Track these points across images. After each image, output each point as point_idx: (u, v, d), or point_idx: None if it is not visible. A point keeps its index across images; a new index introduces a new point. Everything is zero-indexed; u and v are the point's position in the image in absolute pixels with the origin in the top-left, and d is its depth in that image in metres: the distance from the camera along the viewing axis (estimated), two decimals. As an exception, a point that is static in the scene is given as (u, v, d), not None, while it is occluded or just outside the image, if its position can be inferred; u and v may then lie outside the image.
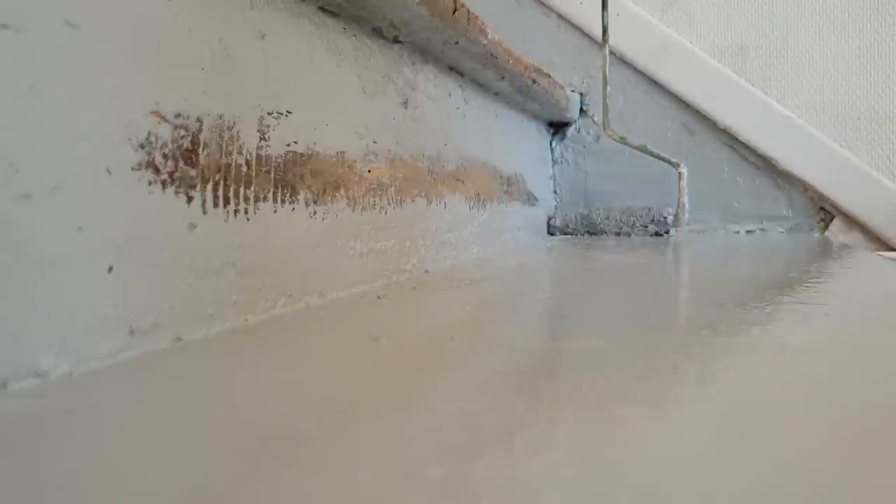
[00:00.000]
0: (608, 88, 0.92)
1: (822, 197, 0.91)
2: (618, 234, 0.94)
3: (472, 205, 0.66)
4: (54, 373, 0.23)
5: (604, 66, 0.91)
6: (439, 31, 0.51)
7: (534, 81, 0.75)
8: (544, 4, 1.01)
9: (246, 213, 0.34)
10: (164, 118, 0.29)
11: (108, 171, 0.26)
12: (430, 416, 0.21)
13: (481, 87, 0.69)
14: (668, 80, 0.96)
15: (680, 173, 0.93)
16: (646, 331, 0.34)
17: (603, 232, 0.95)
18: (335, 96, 0.43)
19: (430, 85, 0.57)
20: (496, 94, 0.74)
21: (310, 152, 0.40)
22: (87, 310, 0.25)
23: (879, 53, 0.90)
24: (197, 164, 0.31)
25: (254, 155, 0.35)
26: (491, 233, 0.71)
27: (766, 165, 0.93)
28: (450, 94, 0.62)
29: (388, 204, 0.49)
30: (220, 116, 0.32)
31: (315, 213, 0.40)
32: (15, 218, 0.23)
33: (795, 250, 0.75)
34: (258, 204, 0.35)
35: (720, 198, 0.96)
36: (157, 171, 0.29)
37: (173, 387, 0.24)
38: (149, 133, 0.28)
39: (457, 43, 0.54)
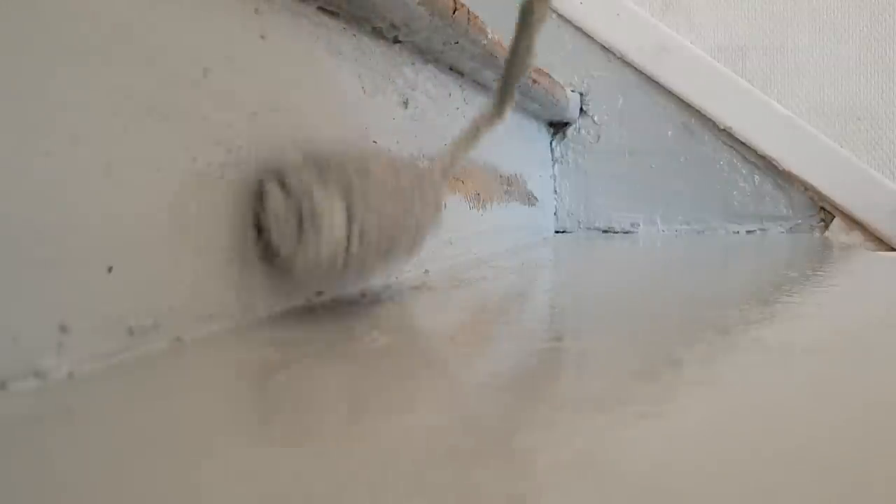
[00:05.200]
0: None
1: (822, 197, 0.91)
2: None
3: (471, 205, 0.66)
4: (54, 373, 0.23)
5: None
6: (439, 31, 0.51)
7: (534, 81, 0.75)
8: (544, 4, 1.01)
9: (246, 213, 0.34)
10: (164, 118, 0.29)
11: (108, 172, 0.26)
12: (429, 416, 0.21)
13: (481, 86, 0.69)
14: (669, 81, 0.96)
15: None
16: (647, 330, 0.34)
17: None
18: (335, 96, 0.43)
19: (431, 85, 0.57)
20: (496, 93, 0.74)
21: (310, 152, 0.40)
22: (87, 310, 0.25)
23: (880, 54, 0.90)
24: (197, 164, 0.31)
25: (254, 155, 0.35)
26: (491, 233, 0.71)
27: (767, 165, 0.93)
28: (450, 94, 0.62)
29: (388, 204, 0.49)
30: (220, 116, 0.32)
31: (315, 213, 0.40)
32: (15, 217, 0.23)
33: (796, 250, 0.75)
34: (258, 204, 0.35)
35: (720, 198, 0.96)
36: (157, 171, 0.29)
37: (173, 387, 0.24)
38: (149, 133, 0.28)
39: (457, 43, 0.54)
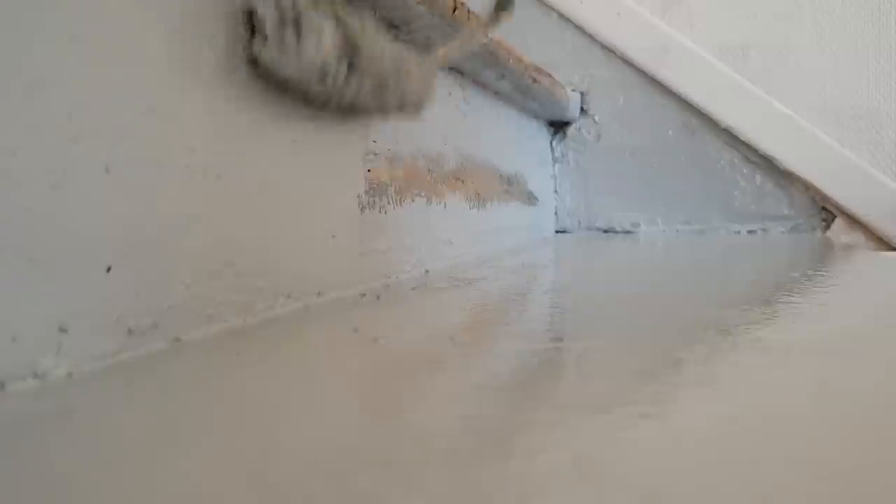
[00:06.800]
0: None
1: (823, 197, 0.91)
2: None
3: (472, 204, 0.66)
4: (53, 373, 0.23)
5: None
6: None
7: (534, 80, 0.75)
8: (544, 3, 1.01)
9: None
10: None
11: (107, 171, 0.26)
12: (429, 417, 0.21)
13: (481, 86, 0.69)
14: (669, 80, 0.95)
15: None
16: (648, 331, 0.34)
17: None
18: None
19: (431, 84, 0.57)
20: (496, 93, 0.74)
21: (310, 152, 0.40)
22: (86, 310, 0.25)
23: (882, 53, 0.90)
24: (197, 164, 0.31)
25: (254, 154, 0.35)
26: (491, 233, 0.71)
27: (768, 165, 0.93)
28: (450, 94, 0.61)
29: (388, 203, 0.49)
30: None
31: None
32: (15, 218, 0.23)
33: (797, 250, 0.75)
34: (258, 203, 0.35)
35: (721, 197, 0.96)
36: (156, 170, 0.29)
37: (172, 387, 0.24)
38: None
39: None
